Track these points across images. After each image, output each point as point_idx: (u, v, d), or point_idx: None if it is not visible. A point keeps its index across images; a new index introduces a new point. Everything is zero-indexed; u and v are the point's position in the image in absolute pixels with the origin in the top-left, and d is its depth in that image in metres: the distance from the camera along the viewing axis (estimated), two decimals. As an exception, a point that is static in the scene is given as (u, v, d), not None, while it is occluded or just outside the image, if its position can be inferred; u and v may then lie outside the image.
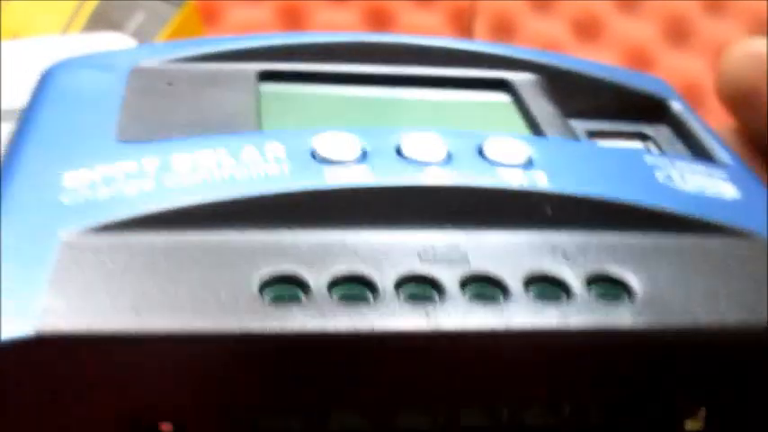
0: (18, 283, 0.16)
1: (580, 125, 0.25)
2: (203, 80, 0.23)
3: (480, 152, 0.20)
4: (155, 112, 0.21)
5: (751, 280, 0.18)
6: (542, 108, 0.24)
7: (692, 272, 0.18)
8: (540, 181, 0.19)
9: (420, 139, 0.20)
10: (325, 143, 0.20)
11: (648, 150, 0.23)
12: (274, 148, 0.20)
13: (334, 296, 0.17)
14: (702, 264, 0.19)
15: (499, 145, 0.20)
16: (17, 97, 0.40)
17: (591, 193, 0.19)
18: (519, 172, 0.20)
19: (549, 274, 0.18)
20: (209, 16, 0.61)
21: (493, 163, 0.20)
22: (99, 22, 0.45)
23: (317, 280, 0.17)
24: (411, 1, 0.62)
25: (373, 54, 0.25)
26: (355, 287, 0.17)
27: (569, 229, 0.19)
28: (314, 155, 0.19)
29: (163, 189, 0.18)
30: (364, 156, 0.19)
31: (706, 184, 0.21)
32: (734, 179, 0.22)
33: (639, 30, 0.64)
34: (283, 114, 0.23)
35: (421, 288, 0.17)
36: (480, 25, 0.62)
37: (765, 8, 0.65)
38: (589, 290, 0.18)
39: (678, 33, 0.64)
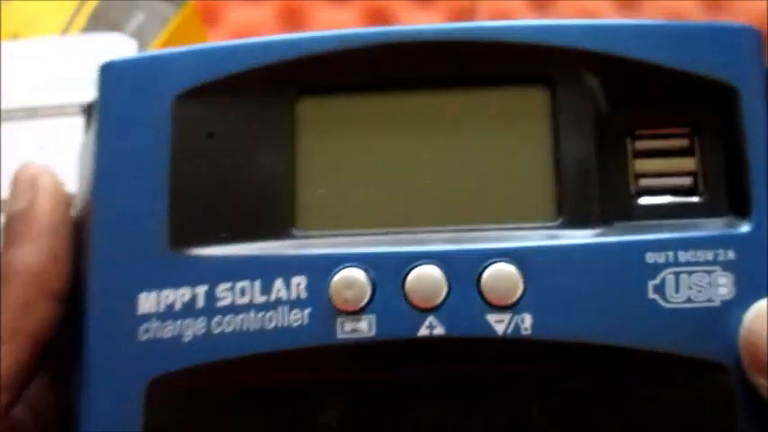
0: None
1: (628, 117, 0.25)
2: (242, 127, 0.25)
3: (478, 285, 0.23)
4: (201, 200, 0.24)
5: (710, 426, 0.22)
6: (578, 115, 0.24)
7: (647, 421, 0.22)
8: (524, 326, 0.23)
9: (424, 278, 0.23)
10: (339, 287, 0.23)
11: (653, 247, 0.23)
12: (299, 286, 0.23)
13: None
14: (662, 410, 0.22)
15: (496, 279, 0.23)
16: (17, 97, 0.37)
17: (570, 335, 0.22)
18: (506, 317, 0.23)
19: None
20: (209, 16, 0.58)
21: (485, 302, 0.23)
22: (99, 22, 0.39)
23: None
24: (411, 1, 0.58)
25: (413, 55, 0.24)
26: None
27: (544, 373, 0.23)
28: (330, 300, 0.23)
29: (211, 336, 0.23)
30: (372, 300, 0.23)
31: (699, 286, 0.23)
32: (741, 261, 0.23)
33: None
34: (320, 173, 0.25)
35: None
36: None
37: (765, 8, 0.53)
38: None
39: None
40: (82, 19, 0.43)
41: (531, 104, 0.24)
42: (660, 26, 0.24)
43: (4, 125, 0.39)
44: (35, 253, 0.25)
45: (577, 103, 0.24)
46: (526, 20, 0.25)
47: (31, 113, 0.40)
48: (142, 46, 0.43)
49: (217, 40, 0.61)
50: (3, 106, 0.39)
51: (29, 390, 0.25)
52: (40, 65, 0.39)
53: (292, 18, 0.60)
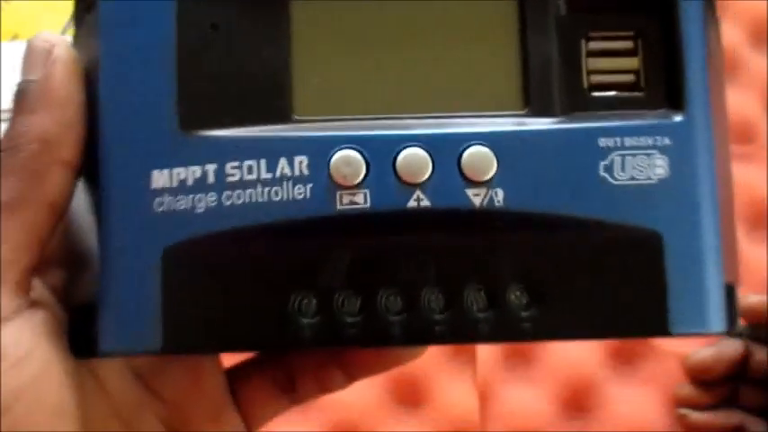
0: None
1: (583, 21, 0.28)
2: (244, 21, 0.27)
3: (458, 164, 0.26)
4: (207, 86, 0.27)
5: (645, 284, 0.27)
6: (542, 19, 0.28)
7: (593, 279, 0.27)
8: (497, 199, 0.26)
9: (412, 158, 0.26)
10: (338, 165, 0.26)
11: (604, 133, 0.27)
12: (301, 164, 0.26)
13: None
14: (606, 270, 0.27)
15: (473, 159, 0.26)
16: None
17: (534, 207, 0.26)
18: (482, 191, 0.26)
19: (486, 287, 0.27)
20: None
21: (464, 179, 0.26)
22: None
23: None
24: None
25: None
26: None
27: (513, 238, 0.27)
28: (330, 176, 0.26)
29: (222, 208, 0.26)
30: (367, 177, 0.26)
31: (641, 167, 0.27)
32: (675, 146, 0.27)
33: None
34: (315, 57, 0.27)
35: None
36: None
37: (765, 9, 0.55)
38: (511, 297, 0.27)
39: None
40: (81, 19, 0.44)
41: (501, 9, 0.28)
42: None
43: (4, 125, 0.39)
44: (50, 122, 0.26)
45: (540, 7, 0.28)
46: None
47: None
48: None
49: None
50: (3, 106, 0.39)
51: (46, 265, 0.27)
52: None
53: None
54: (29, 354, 0.25)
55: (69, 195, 0.27)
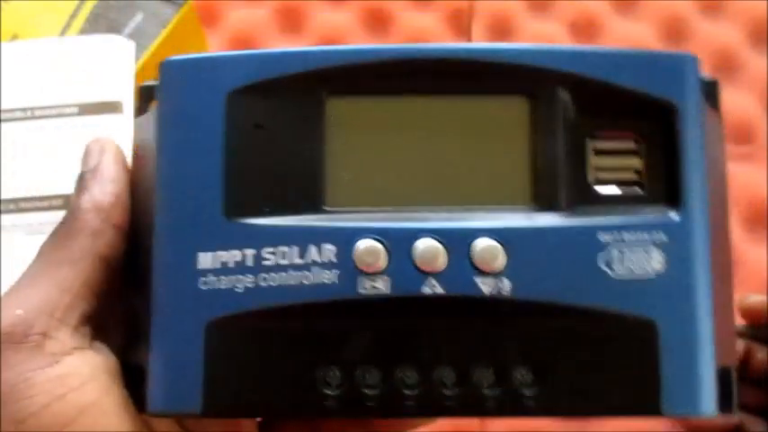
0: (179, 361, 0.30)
1: (590, 121, 0.31)
2: (284, 121, 0.31)
3: (469, 255, 0.29)
4: (249, 179, 0.30)
5: (639, 368, 0.29)
6: (552, 120, 0.31)
7: (592, 362, 0.29)
8: (504, 289, 0.29)
9: (428, 249, 0.29)
10: (362, 254, 0.29)
11: (604, 229, 0.30)
12: (329, 252, 0.30)
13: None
14: (604, 354, 0.29)
15: (484, 251, 0.29)
16: (17, 97, 0.39)
17: (538, 296, 0.29)
18: (491, 281, 0.29)
19: (494, 366, 0.30)
20: (208, 16, 0.60)
21: (475, 269, 0.29)
22: (98, 22, 0.42)
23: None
24: (409, 1, 0.61)
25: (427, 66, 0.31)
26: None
27: (518, 322, 0.30)
28: (354, 264, 0.29)
29: (259, 288, 0.30)
30: (387, 265, 0.29)
31: (639, 261, 0.30)
32: (671, 242, 0.30)
33: (637, 31, 0.59)
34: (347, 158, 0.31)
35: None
36: (478, 26, 0.58)
37: (765, 9, 0.56)
38: (516, 376, 0.30)
39: (676, 34, 0.59)
40: (80, 20, 0.45)
41: (515, 111, 0.31)
42: (618, 53, 0.31)
43: (4, 125, 0.40)
44: (101, 194, 0.32)
45: (551, 110, 0.31)
46: (515, 43, 0.30)
47: (31, 113, 0.42)
48: (140, 47, 0.44)
49: (215, 40, 0.64)
50: (3, 106, 0.41)
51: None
52: (40, 65, 0.41)
53: (290, 18, 0.63)
54: (85, 383, 0.30)
55: (120, 253, 0.32)
